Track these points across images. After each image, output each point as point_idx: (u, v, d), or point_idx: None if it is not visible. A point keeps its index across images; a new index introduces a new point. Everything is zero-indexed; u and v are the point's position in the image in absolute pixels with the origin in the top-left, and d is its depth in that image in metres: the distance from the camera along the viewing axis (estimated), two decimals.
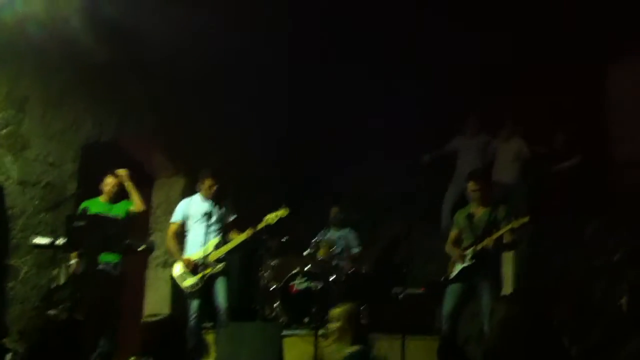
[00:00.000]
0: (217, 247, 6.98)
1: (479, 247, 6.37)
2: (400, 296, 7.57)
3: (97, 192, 7.19)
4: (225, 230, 7.13)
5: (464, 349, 6.89)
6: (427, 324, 7.50)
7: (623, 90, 8.88)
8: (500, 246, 6.43)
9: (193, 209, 7.12)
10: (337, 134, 9.45)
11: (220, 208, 7.09)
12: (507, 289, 7.35)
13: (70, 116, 7.45)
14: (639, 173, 8.31)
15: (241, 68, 8.18)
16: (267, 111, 9.17)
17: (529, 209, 7.92)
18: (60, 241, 6.42)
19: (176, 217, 7.19)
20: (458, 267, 6.51)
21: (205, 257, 6.86)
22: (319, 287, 7.86)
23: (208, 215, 6.94)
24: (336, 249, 8.50)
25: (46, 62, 7.07)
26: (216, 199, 7.08)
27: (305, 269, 8.04)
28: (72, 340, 3.82)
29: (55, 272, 7.05)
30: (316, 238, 8.50)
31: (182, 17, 7.12)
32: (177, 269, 7.04)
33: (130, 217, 7.10)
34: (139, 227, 7.97)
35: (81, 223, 6.31)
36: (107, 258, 6.82)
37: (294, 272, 7.99)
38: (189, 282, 6.94)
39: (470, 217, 6.58)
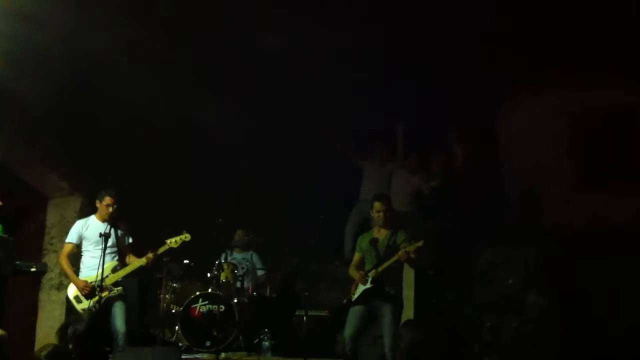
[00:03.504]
0: (115, 270, 6.78)
1: (380, 269, 6.45)
2: (305, 318, 7.55)
3: None
4: (122, 254, 6.92)
5: None
6: (328, 348, 7.48)
7: (514, 128, 9.28)
8: (399, 268, 6.53)
9: (89, 231, 6.90)
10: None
11: (117, 231, 6.87)
12: (409, 312, 7.44)
13: None
14: (529, 207, 8.67)
15: (143, 86, 8.00)
16: (171, 131, 8.99)
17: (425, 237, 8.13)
18: None
19: (71, 237, 6.94)
20: (360, 289, 6.56)
21: (102, 280, 6.60)
22: (221, 309, 7.72)
23: (105, 237, 6.69)
24: (240, 272, 8.39)
25: None
26: (113, 221, 6.85)
27: (208, 291, 7.90)
28: None
29: None
30: (219, 260, 8.36)
31: (80, 35, 6.93)
32: (72, 291, 6.80)
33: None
34: (31, 248, 7.66)
35: None
36: None
37: (196, 294, 7.83)
38: (84, 304, 6.70)
39: (373, 241, 6.66)
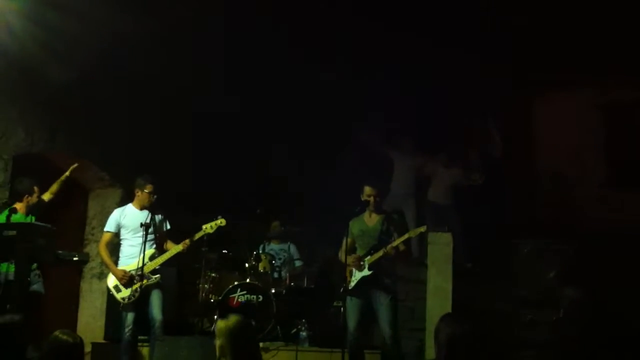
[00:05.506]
0: (152, 258, 6.80)
1: (376, 256, 6.32)
2: (342, 310, 7.53)
3: None
4: (160, 241, 6.96)
5: None
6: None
7: (545, 125, 9.16)
8: (396, 256, 6.38)
9: (127, 219, 6.93)
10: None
11: (155, 218, 6.91)
12: (447, 305, 7.38)
13: (2, 125, 7.27)
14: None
15: (175, 78, 8.09)
16: (207, 121, 9.05)
17: (463, 231, 8.09)
18: None
19: (109, 226, 6.98)
20: (357, 277, 6.44)
21: (141, 268, 6.67)
22: (259, 300, 7.75)
23: (143, 225, 6.74)
24: (277, 262, 8.42)
25: None
26: (151, 209, 6.90)
27: (246, 281, 7.93)
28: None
29: None
30: (257, 251, 8.40)
31: (115, 26, 7.01)
32: (112, 280, 6.84)
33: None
34: (73, 238, 7.76)
35: (11, 232, 6.12)
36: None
37: (234, 284, 7.87)
38: (124, 294, 6.75)
39: (365, 226, 6.53)
